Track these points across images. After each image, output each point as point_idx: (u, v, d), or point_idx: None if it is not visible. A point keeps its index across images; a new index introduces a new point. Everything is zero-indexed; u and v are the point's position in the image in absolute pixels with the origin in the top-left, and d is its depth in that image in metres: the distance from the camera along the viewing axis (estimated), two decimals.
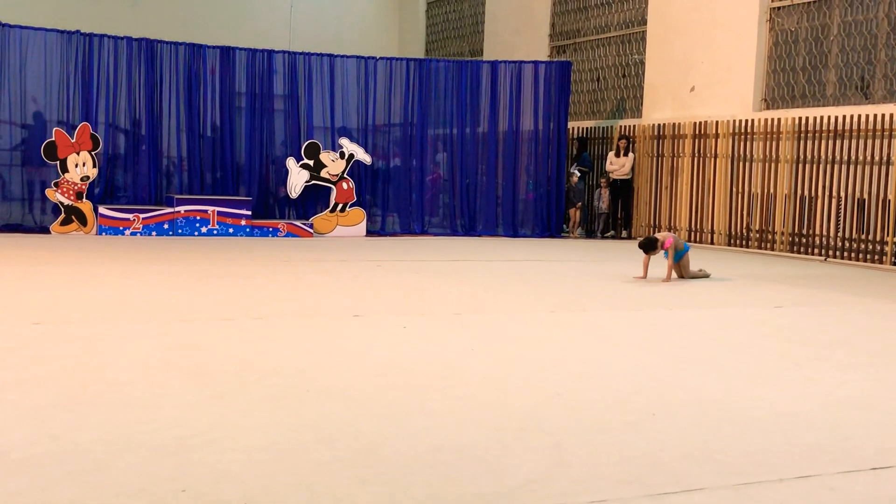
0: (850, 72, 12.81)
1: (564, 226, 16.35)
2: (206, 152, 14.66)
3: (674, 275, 9.69)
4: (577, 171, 16.18)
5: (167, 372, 4.81)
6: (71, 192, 13.24)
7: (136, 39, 14.11)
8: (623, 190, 16.01)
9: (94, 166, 13.40)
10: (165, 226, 13.56)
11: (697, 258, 10.18)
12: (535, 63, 16.32)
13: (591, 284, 9.46)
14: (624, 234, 16.11)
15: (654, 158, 15.65)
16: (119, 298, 7.37)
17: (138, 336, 5.76)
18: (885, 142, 11.98)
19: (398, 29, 23.81)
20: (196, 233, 13.70)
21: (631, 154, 15.83)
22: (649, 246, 9.60)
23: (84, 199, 13.32)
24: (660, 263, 9.84)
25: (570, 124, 16.80)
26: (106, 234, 13.26)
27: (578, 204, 16.22)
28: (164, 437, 3.65)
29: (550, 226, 16.03)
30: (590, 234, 16.39)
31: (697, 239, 14.73)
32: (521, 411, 4.27)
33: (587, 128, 17.19)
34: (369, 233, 15.07)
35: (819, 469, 3.59)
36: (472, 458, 3.54)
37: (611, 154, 16.07)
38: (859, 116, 12.29)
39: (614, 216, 16.24)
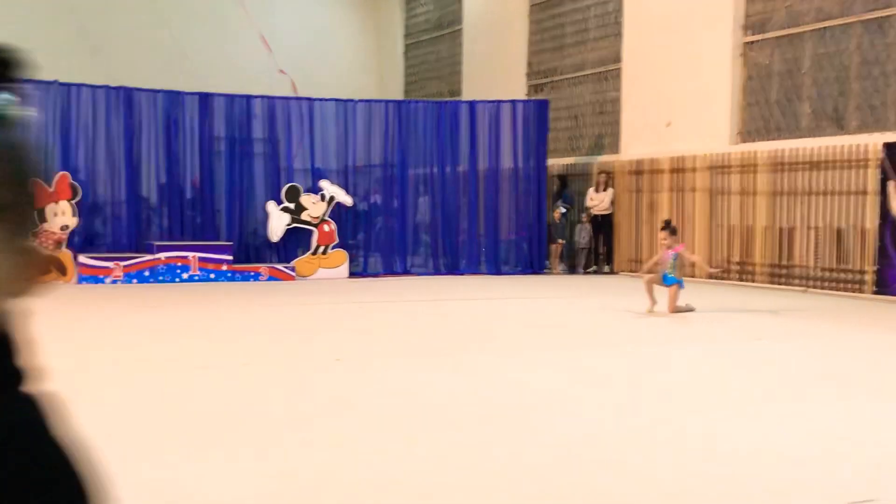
0: (824, 103, 12.96)
1: (546, 262, 16.38)
2: (185, 198, 14.64)
3: (656, 307, 9.72)
4: (562, 208, 16.24)
5: (148, 423, 4.76)
6: (50, 241, 13.16)
7: (114, 88, 14.12)
8: (604, 225, 16.08)
9: (74, 215, 13.35)
10: (146, 273, 13.48)
11: (681, 292, 10.21)
12: (513, 102, 16.42)
13: (573, 322, 9.46)
14: (606, 268, 16.15)
15: (634, 193, 15.73)
16: (98, 348, 7.30)
17: (118, 385, 5.71)
18: (861, 172, 12.09)
19: (377, 70, 23.95)
20: (177, 279, 13.63)
21: (610, 189, 15.92)
22: (668, 226, 10.33)
23: (64, 248, 13.25)
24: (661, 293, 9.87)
25: (550, 161, 16.88)
26: (86, 282, 13.17)
27: (560, 241, 16.26)
28: (147, 492, 3.60)
29: (533, 262, 16.06)
30: (572, 269, 16.42)
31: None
32: (505, 452, 4.25)
33: (567, 165, 17.28)
34: (352, 274, 15.03)
35: None
36: (459, 503, 3.52)
37: (591, 190, 16.15)
38: (834, 147, 12.41)
39: (596, 251, 16.29)
